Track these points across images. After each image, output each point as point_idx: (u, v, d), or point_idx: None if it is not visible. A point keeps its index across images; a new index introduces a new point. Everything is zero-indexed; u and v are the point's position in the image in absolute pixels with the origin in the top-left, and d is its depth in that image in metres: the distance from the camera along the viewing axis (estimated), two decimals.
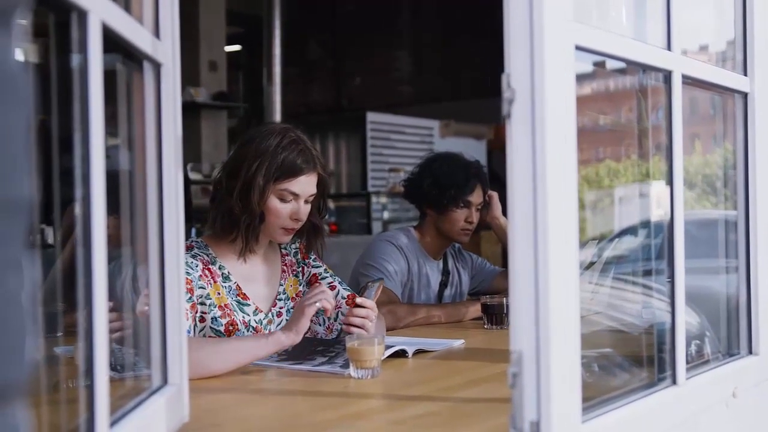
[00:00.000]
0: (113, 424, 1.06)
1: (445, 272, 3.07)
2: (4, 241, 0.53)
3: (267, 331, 2.19)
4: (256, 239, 2.19)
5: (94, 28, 0.98)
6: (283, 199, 2.14)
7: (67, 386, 1.40)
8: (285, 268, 2.32)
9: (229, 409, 1.61)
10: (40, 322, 0.60)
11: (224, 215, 2.15)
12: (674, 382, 1.47)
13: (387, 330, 2.58)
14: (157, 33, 1.32)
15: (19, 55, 0.56)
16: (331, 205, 7.51)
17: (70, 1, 0.93)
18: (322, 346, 2.09)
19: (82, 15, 0.97)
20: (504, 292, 2.89)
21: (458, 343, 2.29)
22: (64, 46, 1.00)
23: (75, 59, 0.99)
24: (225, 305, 2.13)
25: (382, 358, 1.86)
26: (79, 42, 0.98)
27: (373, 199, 7.23)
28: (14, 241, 0.54)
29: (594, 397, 1.29)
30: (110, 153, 1.06)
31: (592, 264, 1.93)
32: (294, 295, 2.31)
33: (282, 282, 2.30)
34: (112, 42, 1.08)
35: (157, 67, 1.31)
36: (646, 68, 1.51)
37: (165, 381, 1.33)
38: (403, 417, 1.50)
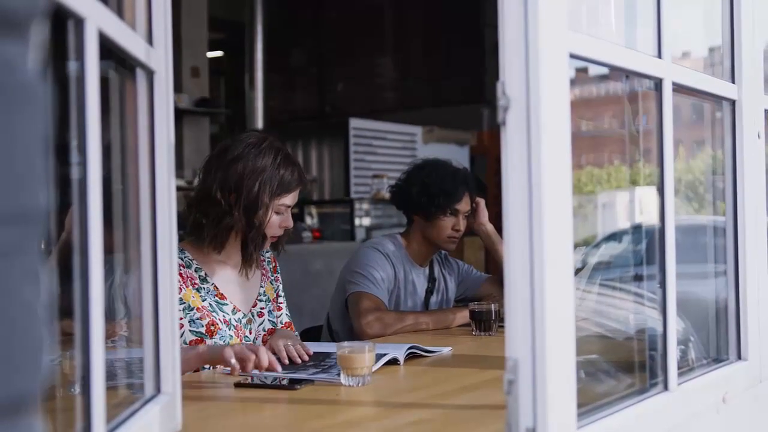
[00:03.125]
0: None
1: (432, 279, 3.07)
2: (21, 251, 0.53)
3: (247, 331, 2.28)
4: (258, 253, 2.29)
5: (91, 35, 0.98)
6: (278, 212, 2.24)
7: (57, 395, 1.39)
8: (264, 271, 2.41)
9: (221, 417, 1.60)
10: (53, 332, 0.59)
11: (225, 231, 2.21)
12: (666, 387, 1.47)
13: (375, 337, 2.59)
14: (150, 40, 1.31)
15: (35, 65, 0.56)
16: (314, 211, 7.49)
17: (68, 8, 0.92)
18: (313, 360, 2.08)
19: (79, 22, 0.96)
20: (490, 298, 2.89)
21: (446, 350, 2.29)
22: (59, 52, 0.99)
23: (71, 66, 0.98)
24: (202, 307, 2.19)
25: (375, 368, 1.86)
26: (76, 49, 0.97)
27: (357, 205, 7.21)
28: (31, 250, 0.54)
29: (588, 404, 1.29)
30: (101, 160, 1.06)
31: (578, 270, 1.94)
32: (272, 299, 2.40)
33: (262, 284, 2.38)
34: (106, 49, 1.07)
35: (150, 74, 1.31)
36: (637, 76, 1.53)
37: (158, 390, 1.32)
38: (397, 424, 1.50)
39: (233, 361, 1.85)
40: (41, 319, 0.55)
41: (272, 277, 2.43)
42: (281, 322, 2.40)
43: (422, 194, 2.90)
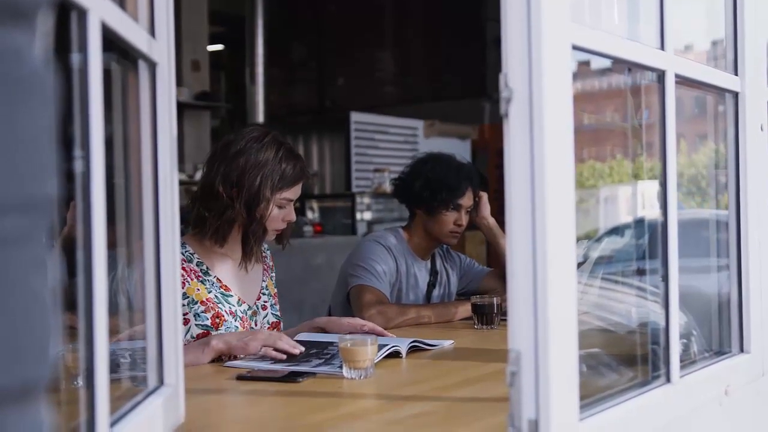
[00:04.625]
0: (113, 425, 1.05)
1: (434, 272, 3.07)
2: (29, 240, 0.53)
3: (253, 323, 2.30)
4: (258, 246, 2.31)
5: (94, 27, 0.97)
6: (280, 206, 2.25)
7: (60, 388, 1.39)
8: (265, 266, 2.43)
9: (223, 410, 1.61)
10: (61, 321, 0.59)
11: (226, 224, 2.22)
12: (668, 380, 1.47)
13: None
14: (152, 32, 1.31)
15: (42, 55, 0.55)
16: (315, 205, 7.49)
17: None
18: (315, 349, 2.08)
19: (82, 14, 0.96)
20: (492, 292, 2.89)
21: (448, 344, 2.30)
22: (61, 44, 0.99)
23: (74, 58, 0.98)
24: (207, 299, 2.20)
25: (377, 359, 1.86)
26: (79, 40, 0.97)
27: (358, 199, 7.21)
28: (38, 239, 0.54)
29: (590, 396, 1.29)
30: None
31: (580, 264, 1.94)
32: (272, 294, 2.42)
33: (264, 279, 2.40)
34: (108, 40, 1.07)
35: (152, 66, 1.30)
36: (640, 68, 1.52)
37: (161, 382, 1.32)
38: (399, 417, 1.50)
39: (262, 351, 1.99)
40: (49, 307, 0.55)
41: (272, 274, 2.46)
42: (268, 323, 2.42)
43: (425, 188, 2.90)
